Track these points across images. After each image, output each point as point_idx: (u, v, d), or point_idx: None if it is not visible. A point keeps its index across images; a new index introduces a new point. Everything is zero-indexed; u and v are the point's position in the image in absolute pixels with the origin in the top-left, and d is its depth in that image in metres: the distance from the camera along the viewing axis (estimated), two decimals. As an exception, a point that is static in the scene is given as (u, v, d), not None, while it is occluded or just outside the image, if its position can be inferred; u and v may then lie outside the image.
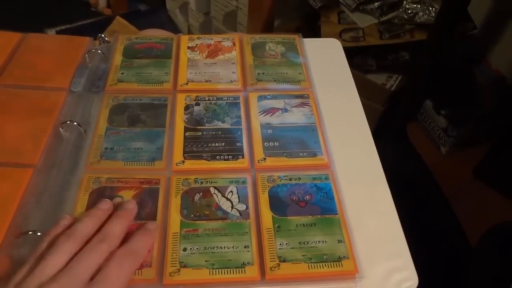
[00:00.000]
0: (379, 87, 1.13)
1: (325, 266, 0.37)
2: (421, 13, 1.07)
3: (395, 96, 1.13)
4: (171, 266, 0.36)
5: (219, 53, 0.56)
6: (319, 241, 0.38)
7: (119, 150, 0.44)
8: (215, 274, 0.36)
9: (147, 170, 0.43)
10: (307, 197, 0.42)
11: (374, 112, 1.16)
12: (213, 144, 0.45)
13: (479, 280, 0.68)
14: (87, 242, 0.34)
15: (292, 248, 0.38)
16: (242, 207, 0.40)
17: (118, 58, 0.54)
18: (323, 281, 0.37)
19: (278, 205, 0.41)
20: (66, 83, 0.50)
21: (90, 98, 0.49)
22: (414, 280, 0.38)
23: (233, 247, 0.38)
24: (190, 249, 0.37)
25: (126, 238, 0.36)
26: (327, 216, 0.40)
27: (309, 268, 0.37)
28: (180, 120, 0.47)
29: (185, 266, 0.36)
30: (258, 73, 0.54)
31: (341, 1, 1.15)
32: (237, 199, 0.41)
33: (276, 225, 0.39)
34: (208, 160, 0.44)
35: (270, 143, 0.46)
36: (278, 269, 0.36)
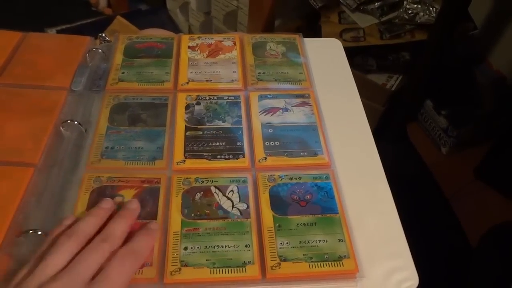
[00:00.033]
0: (380, 87, 1.13)
1: (326, 266, 0.37)
2: (421, 13, 1.07)
3: (395, 96, 1.13)
4: (172, 265, 0.36)
5: (220, 52, 0.56)
6: (320, 241, 0.38)
7: (119, 149, 0.44)
8: (216, 273, 0.36)
9: (147, 170, 0.43)
10: (308, 196, 0.42)
11: (375, 112, 1.16)
12: (214, 144, 0.45)
13: (479, 280, 0.68)
14: (89, 241, 0.34)
15: (293, 247, 0.38)
16: (242, 206, 0.40)
17: (118, 58, 0.54)
18: (323, 280, 0.37)
19: (279, 204, 0.41)
20: (67, 82, 0.50)
21: (91, 97, 0.49)
22: (415, 280, 0.38)
23: (234, 246, 0.38)
24: (191, 248, 0.37)
25: (128, 238, 0.36)
26: (328, 215, 0.40)
27: (309, 267, 0.37)
28: (180, 120, 0.47)
29: (186, 265, 0.36)
30: (259, 73, 0.54)
31: (341, 1, 1.15)
32: (238, 198, 0.41)
33: (277, 224, 0.39)
34: (209, 160, 0.44)
35: (271, 143, 0.46)
36: (279, 268, 0.36)
